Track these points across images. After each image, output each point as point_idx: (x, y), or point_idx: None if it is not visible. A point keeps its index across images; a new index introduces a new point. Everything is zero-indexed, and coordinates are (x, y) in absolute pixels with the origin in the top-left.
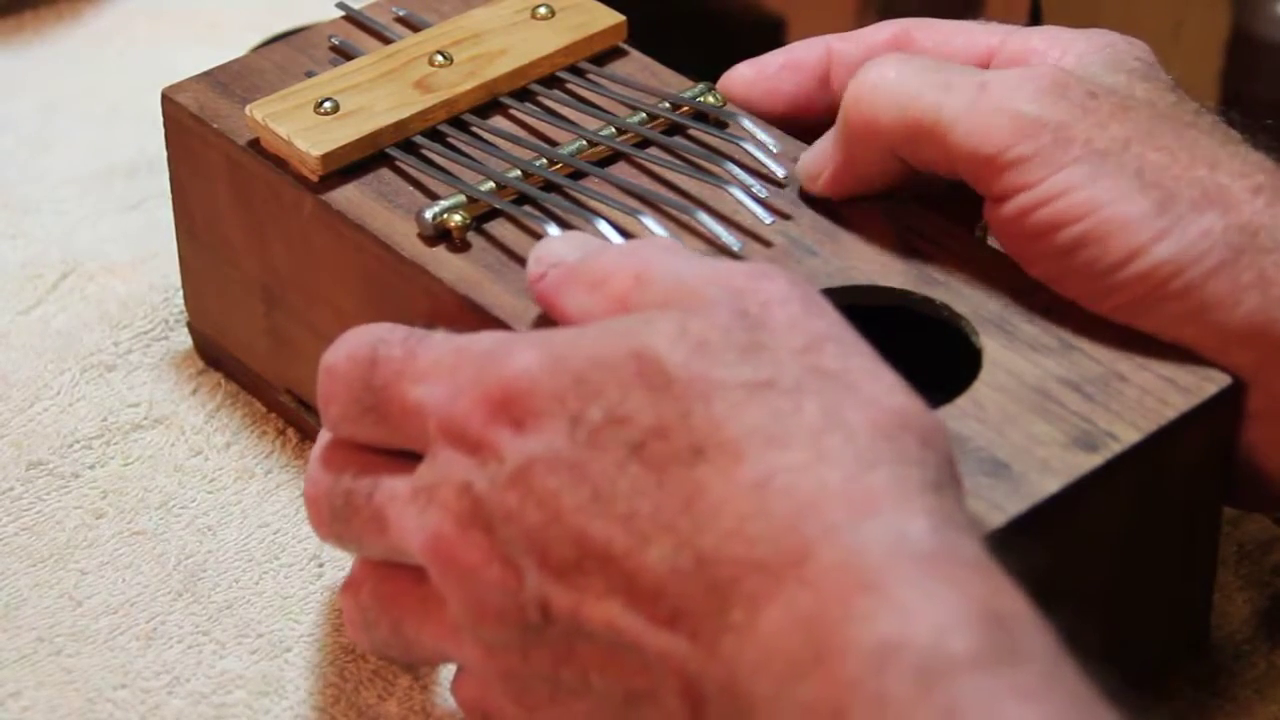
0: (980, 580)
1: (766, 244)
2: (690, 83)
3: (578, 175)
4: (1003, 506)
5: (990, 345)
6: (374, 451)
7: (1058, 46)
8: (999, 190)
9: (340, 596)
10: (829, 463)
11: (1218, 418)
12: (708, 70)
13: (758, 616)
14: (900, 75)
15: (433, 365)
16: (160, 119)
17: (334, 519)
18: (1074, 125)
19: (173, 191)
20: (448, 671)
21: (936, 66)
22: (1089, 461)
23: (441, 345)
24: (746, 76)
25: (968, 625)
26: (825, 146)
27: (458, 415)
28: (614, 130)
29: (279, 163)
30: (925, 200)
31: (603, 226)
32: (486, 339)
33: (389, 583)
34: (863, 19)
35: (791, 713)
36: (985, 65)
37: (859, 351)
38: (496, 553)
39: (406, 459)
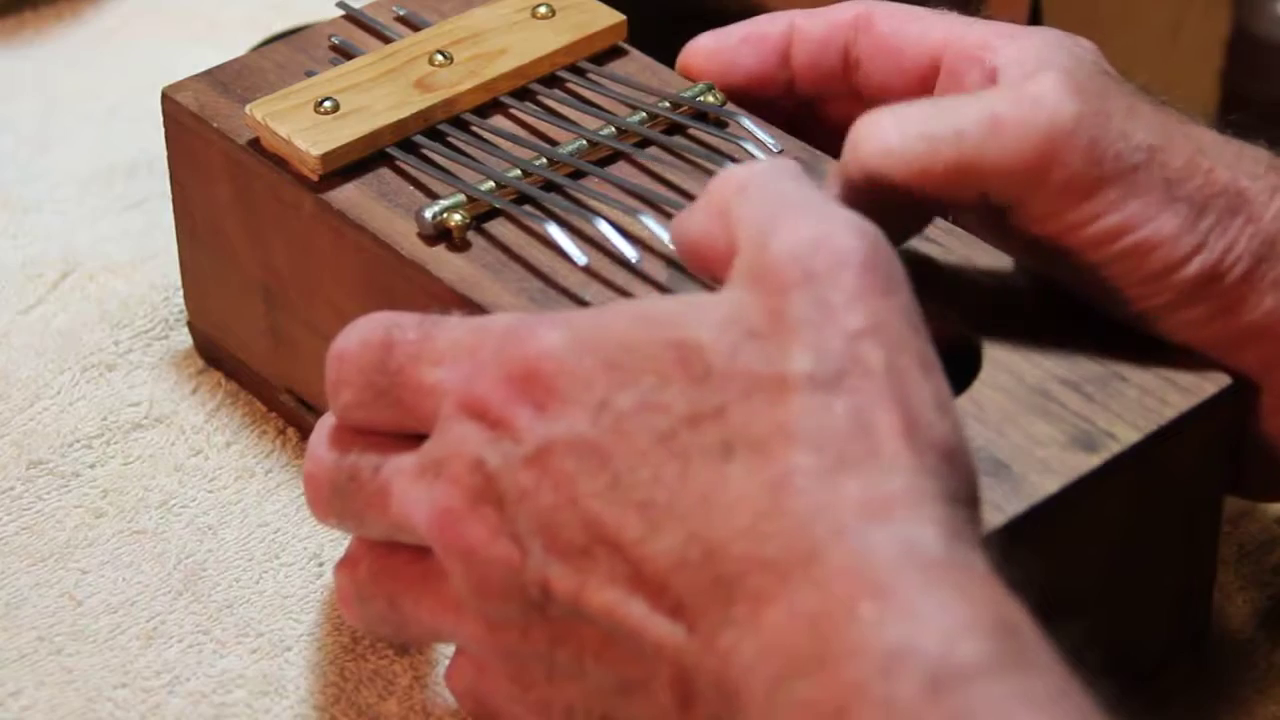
0: (988, 590)
1: None
2: (690, 82)
3: (578, 175)
4: (1002, 506)
5: (990, 345)
6: (382, 434)
7: (1011, 42)
8: (1033, 213)
9: (335, 572)
10: (848, 469)
11: (1217, 417)
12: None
13: (760, 613)
14: (905, 135)
15: (450, 346)
16: (160, 119)
17: (335, 495)
18: (1101, 139)
19: (173, 191)
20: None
21: (935, 112)
22: (1088, 461)
23: (458, 327)
24: (707, 47)
25: (977, 633)
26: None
27: (477, 392)
28: (614, 130)
29: (279, 162)
30: None
31: (603, 226)
32: (505, 319)
33: (388, 558)
34: None
35: (788, 711)
36: (939, 56)
37: (910, 346)
38: (504, 530)
39: (415, 440)
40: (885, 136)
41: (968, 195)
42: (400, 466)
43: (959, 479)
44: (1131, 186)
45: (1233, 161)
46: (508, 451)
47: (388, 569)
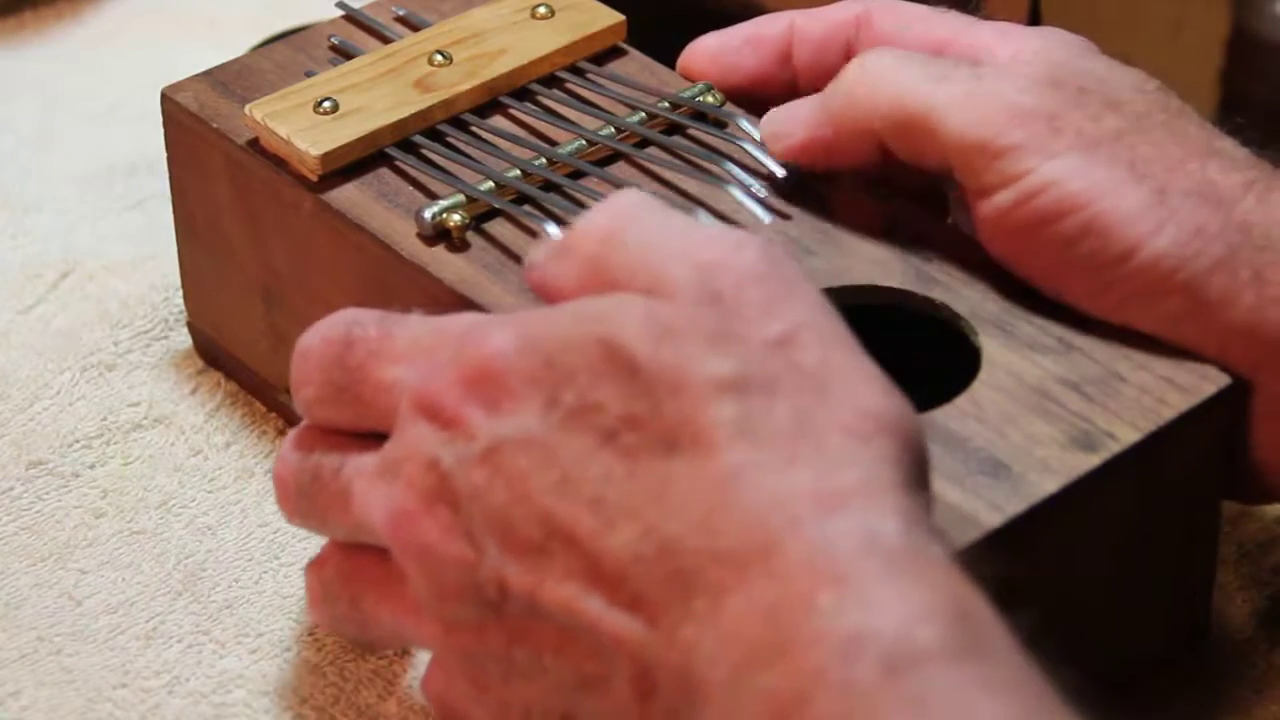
0: (947, 578)
1: None
2: (689, 82)
3: (577, 175)
4: (1002, 506)
5: (989, 345)
6: (347, 434)
7: (1011, 42)
8: (990, 180)
9: (306, 573)
10: (799, 465)
11: (1216, 417)
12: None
13: (720, 605)
14: (895, 66)
15: (409, 345)
16: (160, 119)
17: (300, 495)
18: (1066, 115)
19: (173, 191)
20: None
21: (932, 60)
22: (1088, 461)
23: (418, 325)
24: (709, 49)
25: (935, 619)
26: (804, 113)
27: (432, 392)
28: (613, 130)
29: (279, 162)
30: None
31: None
32: (464, 319)
33: (353, 559)
34: None
35: (750, 701)
36: (939, 56)
37: (836, 341)
38: (459, 529)
39: (378, 441)
40: (881, 60)
41: (927, 151)
42: (361, 468)
43: (913, 462)
44: (1091, 160)
45: (1212, 156)
46: (461, 451)
47: (352, 570)
